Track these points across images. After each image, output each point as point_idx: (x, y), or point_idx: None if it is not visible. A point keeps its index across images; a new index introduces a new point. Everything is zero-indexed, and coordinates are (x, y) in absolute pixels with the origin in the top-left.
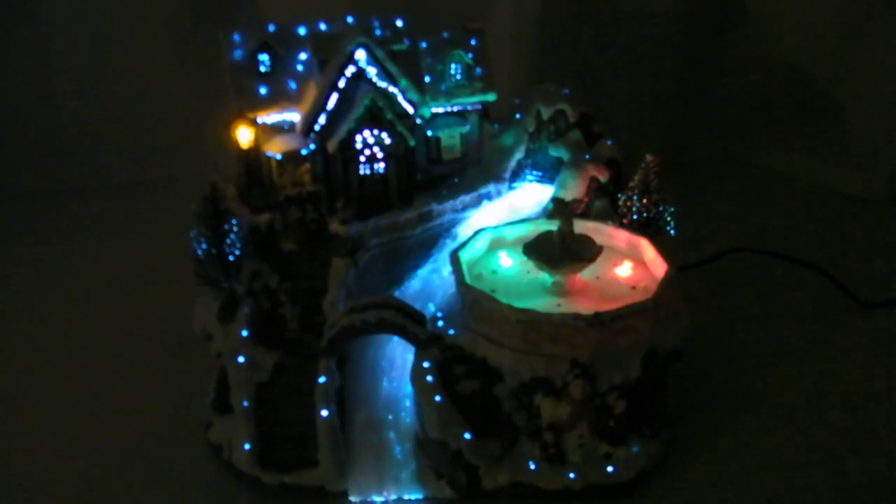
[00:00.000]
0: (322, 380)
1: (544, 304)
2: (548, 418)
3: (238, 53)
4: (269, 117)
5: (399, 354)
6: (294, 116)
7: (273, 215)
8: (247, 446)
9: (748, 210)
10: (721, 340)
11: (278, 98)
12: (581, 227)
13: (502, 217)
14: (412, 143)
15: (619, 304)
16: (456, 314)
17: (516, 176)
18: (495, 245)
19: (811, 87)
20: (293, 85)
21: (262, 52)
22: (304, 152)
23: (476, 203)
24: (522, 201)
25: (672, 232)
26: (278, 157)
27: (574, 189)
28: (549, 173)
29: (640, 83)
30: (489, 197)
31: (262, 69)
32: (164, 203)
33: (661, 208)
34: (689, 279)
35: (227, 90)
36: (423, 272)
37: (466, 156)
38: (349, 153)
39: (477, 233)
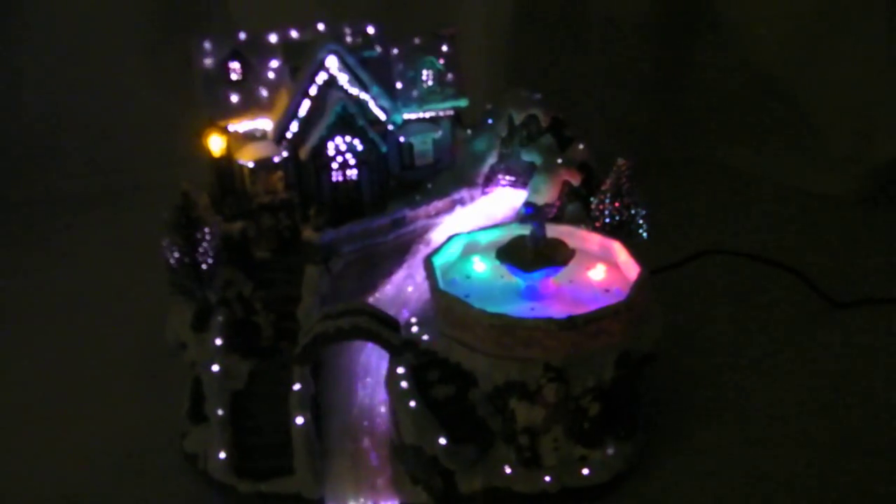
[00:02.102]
0: (297, 387)
1: (518, 308)
2: (523, 422)
3: (209, 61)
4: (240, 125)
5: (374, 361)
6: (266, 124)
7: (246, 223)
8: (222, 455)
9: (721, 212)
10: (695, 342)
11: (250, 106)
12: (554, 230)
13: (476, 222)
14: (384, 149)
15: (593, 308)
16: (430, 320)
17: (489, 181)
18: (469, 250)
19: (783, 89)
20: (264, 92)
21: (233, 59)
22: (276, 160)
23: (449, 208)
24: (495, 206)
25: (644, 235)
26: (251, 164)
27: (547, 193)
28: (521, 178)
29: (612, 86)
30: (462, 202)
31: (234, 77)
32: (137, 212)
33: (633, 211)
34: (663, 281)
35: (199, 98)
36: (396, 278)
37: (439, 161)
38: (321, 160)
39: (450, 238)
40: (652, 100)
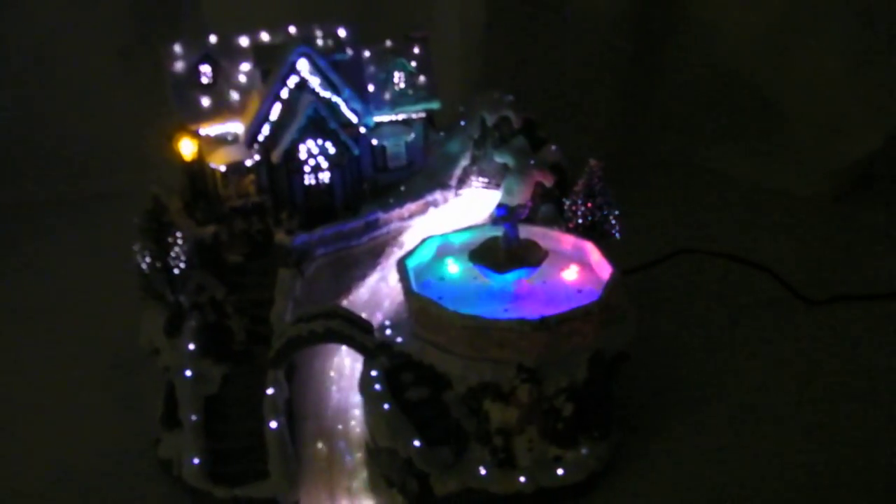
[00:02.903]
0: (270, 391)
1: (491, 309)
2: (497, 423)
3: (180, 65)
4: (212, 129)
5: (347, 364)
6: (237, 128)
7: (218, 227)
8: (196, 461)
9: (696, 212)
10: (670, 341)
11: (221, 109)
12: (527, 232)
13: (449, 224)
14: (357, 152)
15: (566, 308)
16: (403, 322)
17: (462, 183)
18: (442, 252)
19: (753, 89)
20: (235, 96)
21: (203, 63)
22: (248, 163)
23: (422, 210)
24: (469, 208)
25: (617, 235)
26: (222, 168)
27: (519, 194)
28: (494, 179)
29: (585, 87)
30: (435, 204)
31: (204, 80)
32: (108, 217)
33: (605, 212)
34: (637, 282)
35: (170, 102)
36: (370, 281)
37: (412, 164)
38: (293, 163)
39: (424, 240)
40: (625, 101)
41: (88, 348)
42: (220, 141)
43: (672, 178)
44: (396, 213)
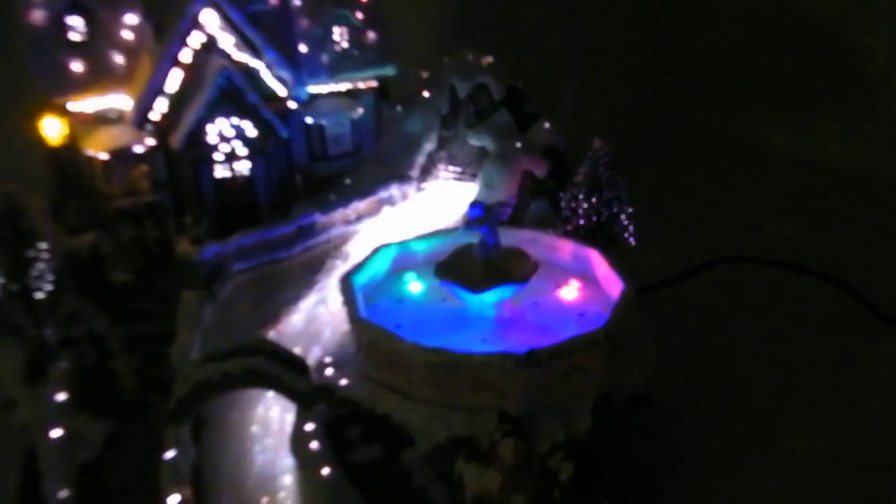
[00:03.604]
0: (170, 454)
1: (464, 340)
2: (473, 490)
3: (39, 15)
4: (87, 104)
5: (275, 416)
6: (122, 102)
7: (99, 235)
8: None
9: (737, 206)
10: (704, 379)
11: (98, 77)
12: (512, 237)
13: (409, 228)
14: (285, 134)
15: (562, 337)
16: (349, 359)
17: (427, 173)
18: (400, 266)
19: (819, 43)
20: (119, 59)
21: (72, 13)
22: (138, 150)
23: (374, 210)
24: (435, 206)
25: (631, 240)
26: (104, 156)
27: (502, 188)
28: (469, 168)
29: (590, 46)
30: (391, 202)
31: (74, 37)
32: None
33: (615, 209)
34: (659, 301)
35: (27, 67)
36: (305, 305)
37: (360, 149)
38: (200, 150)
39: (376, 251)
40: (643, 62)
41: None
42: (100, 120)
43: (707, 162)
44: (340, 214)
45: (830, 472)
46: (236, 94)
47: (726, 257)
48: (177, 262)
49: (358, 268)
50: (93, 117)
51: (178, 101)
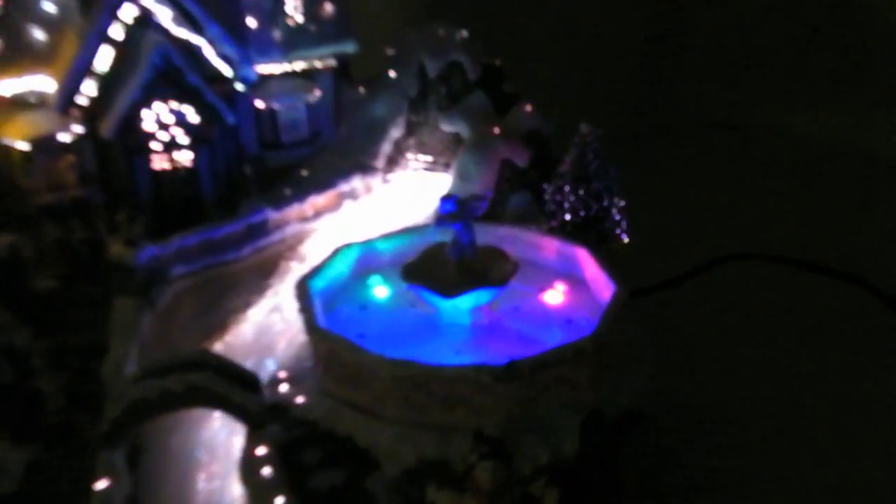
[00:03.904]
0: (102, 484)
1: (436, 351)
2: None
3: None
4: (3, 85)
5: (222, 439)
6: (44, 84)
7: (17, 237)
8: None
9: (742, 198)
10: (709, 391)
11: (16, 55)
12: (489, 234)
13: (374, 226)
14: (232, 119)
15: (546, 347)
16: (307, 373)
17: (393, 163)
18: (364, 268)
19: (825, 16)
20: (40, 35)
21: None
22: (64, 139)
23: (334, 206)
24: (403, 201)
25: (624, 237)
26: (23, 146)
27: (478, 179)
28: (441, 157)
29: (577, 18)
30: (353, 196)
31: None
32: None
33: (605, 202)
34: (657, 306)
35: None
36: (256, 313)
37: (318, 136)
38: (135, 138)
39: (337, 251)
40: (641, 39)
41: None
42: (19, 105)
43: (709, 149)
44: (295, 210)
45: (854, 497)
46: (175, 74)
47: (731, 255)
48: (109, 266)
49: (316, 271)
50: (10, 101)
51: (109, 84)
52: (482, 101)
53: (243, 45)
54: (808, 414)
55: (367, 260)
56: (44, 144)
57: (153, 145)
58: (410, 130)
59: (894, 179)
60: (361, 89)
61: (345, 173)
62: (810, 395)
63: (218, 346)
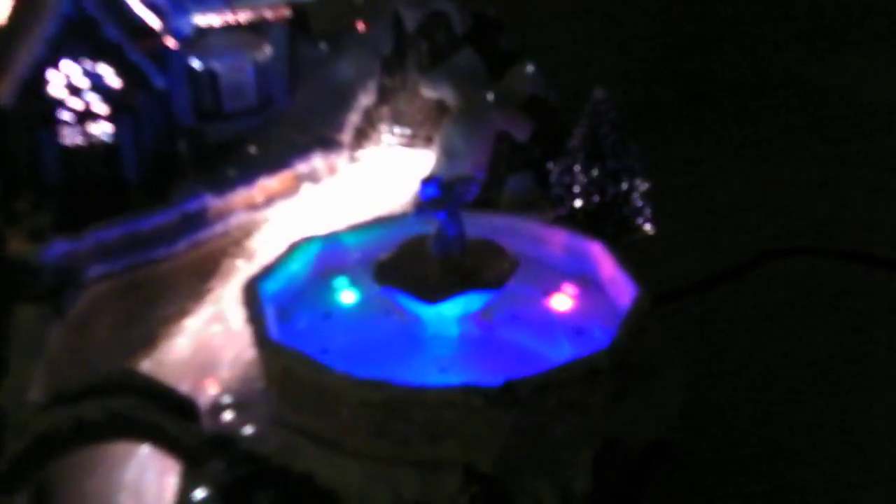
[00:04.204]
0: None
1: (416, 369)
2: None
3: None
4: None
5: (152, 479)
6: None
7: None
8: None
9: (792, 180)
10: (750, 418)
11: None
12: (482, 225)
13: (338, 215)
14: (161, 83)
15: (551, 364)
16: (257, 398)
17: (363, 137)
18: (328, 267)
19: None
20: None
21: None
22: None
23: (290, 190)
24: (374, 184)
25: (648, 227)
26: None
27: (468, 157)
28: (422, 130)
29: None
30: (313, 177)
31: None
32: None
33: (624, 185)
34: (689, 311)
35: None
36: (194, 323)
37: (268, 104)
38: (39, 106)
39: (293, 247)
40: None
41: None
42: None
43: (751, 119)
44: (241, 195)
45: None
46: (90, 27)
47: (779, 250)
48: (8, 266)
49: (268, 271)
50: None
51: (6, 38)
52: (472, 60)
53: None
54: (879, 448)
55: (332, 257)
56: None
57: (63, 115)
58: (384, 97)
59: None
60: (323, 46)
61: (302, 150)
62: (873, 420)
63: (146, 365)
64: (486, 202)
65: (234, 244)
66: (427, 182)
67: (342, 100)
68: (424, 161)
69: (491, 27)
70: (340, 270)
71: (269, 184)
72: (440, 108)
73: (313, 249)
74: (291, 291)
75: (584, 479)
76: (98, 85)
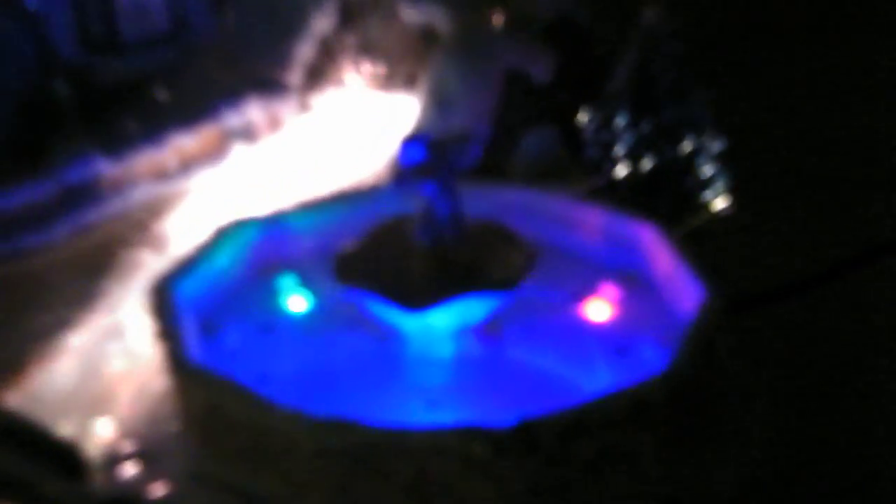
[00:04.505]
0: None
1: (394, 403)
2: None
3: None
4: None
5: None
6: None
7: None
8: None
9: None
10: (859, 464)
11: None
12: (485, 201)
13: (283, 188)
14: (32, 2)
15: (584, 396)
16: (169, 444)
17: (319, 76)
18: (270, 261)
19: None
20: None
21: None
22: None
23: (215, 151)
24: (335, 142)
25: (721, 205)
26: None
27: (465, 106)
28: (401, 67)
29: None
30: (248, 134)
31: None
32: None
33: (688, 144)
34: (775, 323)
35: None
36: (80, 339)
37: (184, 30)
38: None
39: (221, 232)
40: None
41: None
42: None
43: (872, 56)
44: (146, 159)
45: None
46: None
47: None
48: None
49: (186, 267)
50: None
51: None
52: None
53: None
54: None
55: (274, 247)
56: None
57: None
58: (348, 21)
59: None
60: None
61: (233, 95)
62: None
63: (13, 398)
64: (493, 169)
65: (137, 228)
66: (409, 141)
67: (288, 25)
68: (405, 111)
69: None
70: (287, 266)
71: (185, 143)
72: (427, 36)
73: (248, 236)
74: (219, 295)
75: None
76: None
